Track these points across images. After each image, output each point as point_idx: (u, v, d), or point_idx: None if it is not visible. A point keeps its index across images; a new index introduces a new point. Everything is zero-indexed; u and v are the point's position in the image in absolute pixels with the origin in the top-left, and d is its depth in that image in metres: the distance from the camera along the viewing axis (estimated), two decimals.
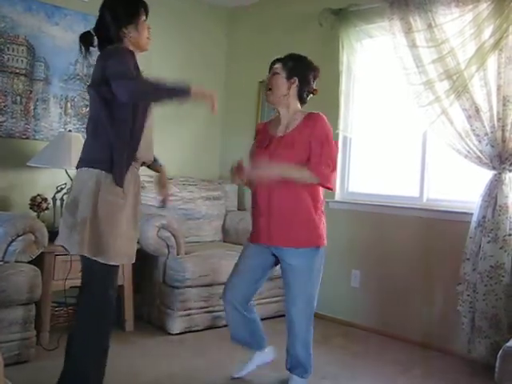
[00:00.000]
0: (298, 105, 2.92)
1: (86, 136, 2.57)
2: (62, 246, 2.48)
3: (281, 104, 2.89)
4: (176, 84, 2.35)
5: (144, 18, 2.50)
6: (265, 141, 2.92)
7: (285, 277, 2.92)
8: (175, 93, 2.35)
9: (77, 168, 2.52)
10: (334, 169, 2.82)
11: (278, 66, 2.88)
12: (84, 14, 4.27)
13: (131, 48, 2.46)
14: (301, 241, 2.82)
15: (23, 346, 3.08)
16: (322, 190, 2.89)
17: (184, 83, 2.33)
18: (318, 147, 2.75)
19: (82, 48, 2.50)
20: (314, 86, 2.96)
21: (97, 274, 2.44)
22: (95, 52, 2.54)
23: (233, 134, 5.35)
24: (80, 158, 2.52)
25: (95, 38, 2.50)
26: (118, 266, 2.50)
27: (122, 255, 2.47)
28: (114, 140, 2.38)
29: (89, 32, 2.50)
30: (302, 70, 2.88)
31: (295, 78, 2.85)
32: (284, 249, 2.85)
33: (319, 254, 2.87)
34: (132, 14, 2.45)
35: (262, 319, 4.24)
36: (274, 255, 2.93)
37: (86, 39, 2.50)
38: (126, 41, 2.45)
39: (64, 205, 2.50)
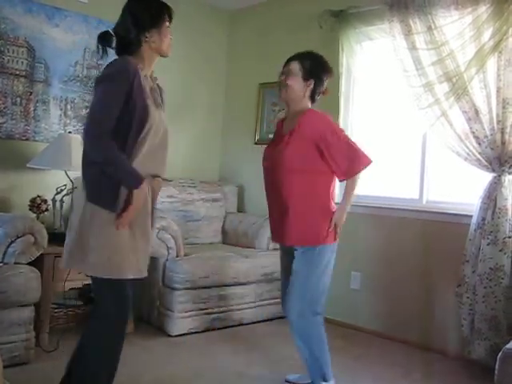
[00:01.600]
0: (309, 104, 2.92)
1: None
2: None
3: (293, 103, 2.89)
4: (132, 171, 2.22)
5: (167, 23, 2.39)
6: (277, 139, 2.95)
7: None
8: (126, 176, 2.22)
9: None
10: (355, 151, 2.82)
11: (295, 65, 2.85)
12: (84, 16, 4.28)
13: (149, 53, 2.36)
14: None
15: (22, 347, 3.08)
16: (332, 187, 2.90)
17: (138, 177, 2.22)
18: (331, 150, 2.76)
19: (100, 48, 2.37)
20: (325, 86, 2.96)
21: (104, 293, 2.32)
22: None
23: (233, 135, 5.36)
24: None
25: (114, 38, 2.38)
26: (121, 280, 2.29)
27: (122, 269, 2.26)
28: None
29: (108, 32, 2.38)
30: (318, 72, 2.87)
31: (312, 80, 2.85)
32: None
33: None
34: (155, 19, 2.35)
35: (262, 321, 4.28)
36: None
37: (104, 39, 2.38)
38: (146, 46, 2.34)
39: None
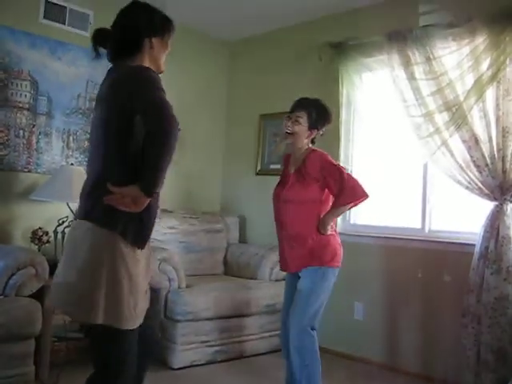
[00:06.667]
0: (310, 144, 3.19)
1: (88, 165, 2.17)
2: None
3: (297, 146, 3.15)
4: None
5: (170, 36, 2.15)
6: (284, 177, 3.23)
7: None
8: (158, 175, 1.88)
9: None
10: (347, 178, 2.98)
11: (302, 114, 3.08)
12: (86, 50, 4.33)
13: (147, 63, 2.05)
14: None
15: (22, 381, 3.04)
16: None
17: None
18: (330, 179, 2.99)
19: (94, 48, 2.06)
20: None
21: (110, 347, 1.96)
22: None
23: (234, 166, 5.37)
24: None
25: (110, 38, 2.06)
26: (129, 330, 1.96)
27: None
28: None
29: (106, 29, 2.06)
30: (322, 122, 3.13)
31: (315, 130, 3.12)
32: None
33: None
34: (161, 26, 2.10)
35: (265, 353, 4.23)
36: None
37: (100, 36, 2.05)
38: (146, 53, 2.06)
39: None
